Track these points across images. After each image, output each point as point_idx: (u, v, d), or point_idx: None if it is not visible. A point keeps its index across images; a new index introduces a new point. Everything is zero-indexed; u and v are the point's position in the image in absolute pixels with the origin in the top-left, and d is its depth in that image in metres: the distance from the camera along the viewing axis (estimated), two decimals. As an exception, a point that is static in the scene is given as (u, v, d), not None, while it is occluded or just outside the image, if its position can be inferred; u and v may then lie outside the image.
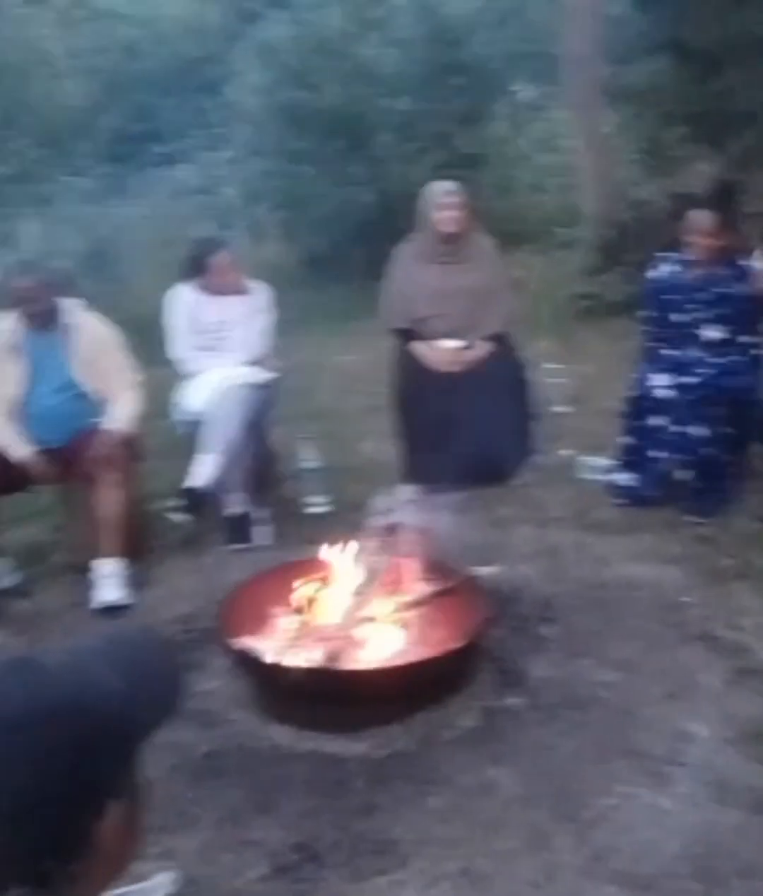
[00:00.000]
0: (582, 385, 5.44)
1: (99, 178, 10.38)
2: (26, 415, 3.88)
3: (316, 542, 3.93)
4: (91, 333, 3.95)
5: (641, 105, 7.79)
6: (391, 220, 8.01)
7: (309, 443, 4.39)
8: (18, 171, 9.75)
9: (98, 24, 13.80)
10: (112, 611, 3.57)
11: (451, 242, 4.16)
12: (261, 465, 4.31)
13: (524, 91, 9.80)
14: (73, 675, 0.92)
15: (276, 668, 2.69)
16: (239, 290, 4.31)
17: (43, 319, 3.88)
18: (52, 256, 6.57)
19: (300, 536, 4.04)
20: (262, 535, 4.06)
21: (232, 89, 10.43)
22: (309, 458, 4.34)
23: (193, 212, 9.11)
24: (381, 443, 4.78)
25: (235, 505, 4.07)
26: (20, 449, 3.80)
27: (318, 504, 4.27)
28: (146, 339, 5.38)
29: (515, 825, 2.30)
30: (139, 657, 0.99)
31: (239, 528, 4.03)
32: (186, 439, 4.30)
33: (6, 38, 12.74)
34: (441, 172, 7.85)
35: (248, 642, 2.87)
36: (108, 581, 3.65)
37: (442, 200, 4.16)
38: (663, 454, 4.08)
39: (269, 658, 2.75)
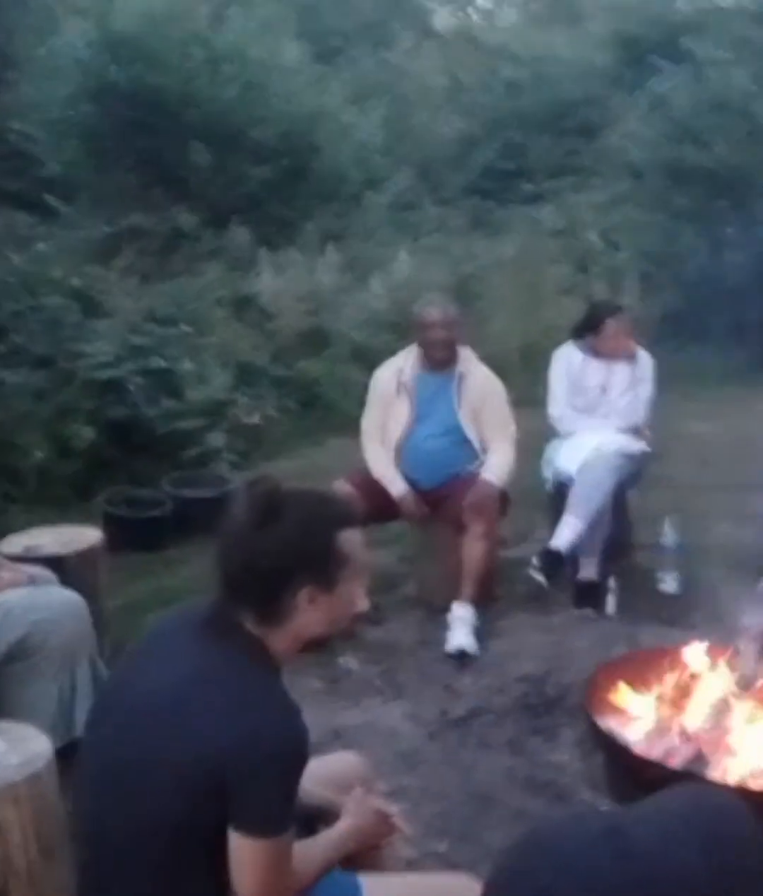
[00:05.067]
0: None
1: (465, 210, 10.74)
2: (405, 453, 4.06)
3: (665, 620, 3.89)
4: (480, 382, 4.06)
5: None
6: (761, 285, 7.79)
7: (670, 517, 4.30)
8: (392, 199, 10.25)
9: (485, 60, 14.28)
10: (462, 656, 3.67)
11: None
12: (616, 534, 4.28)
13: None
14: (658, 853, 0.95)
15: (643, 761, 2.66)
16: (627, 357, 4.31)
17: (443, 360, 4.03)
18: (423, 288, 6.82)
19: (648, 612, 3.98)
20: (609, 603, 4.03)
21: (610, 135, 10.48)
22: (667, 533, 4.25)
23: (554, 253, 9.20)
24: (738, 524, 4.61)
25: (590, 570, 4.07)
26: (398, 486, 3.97)
27: (669, 582, 4.18)
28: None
29: None
30: (724, 833, 0.99)
31: (590, 594, 4.02)
32: (550, 496, 4.36)
33: (398, 70, 13.45)
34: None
35: (613, 724, 2.85)
36: (461, 625, 3.75)
37: None
38: None
39: (637, 749, 2.71)
